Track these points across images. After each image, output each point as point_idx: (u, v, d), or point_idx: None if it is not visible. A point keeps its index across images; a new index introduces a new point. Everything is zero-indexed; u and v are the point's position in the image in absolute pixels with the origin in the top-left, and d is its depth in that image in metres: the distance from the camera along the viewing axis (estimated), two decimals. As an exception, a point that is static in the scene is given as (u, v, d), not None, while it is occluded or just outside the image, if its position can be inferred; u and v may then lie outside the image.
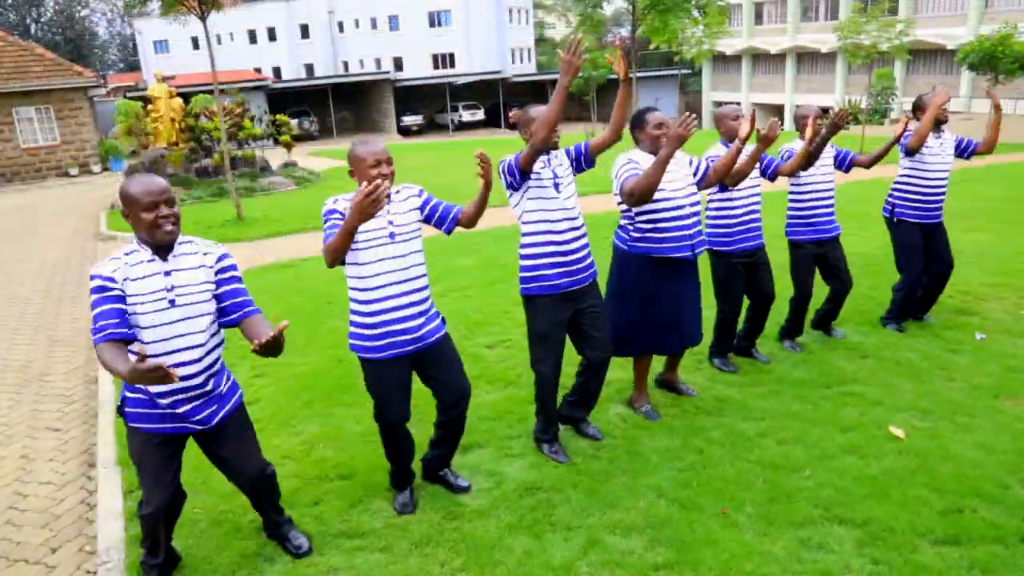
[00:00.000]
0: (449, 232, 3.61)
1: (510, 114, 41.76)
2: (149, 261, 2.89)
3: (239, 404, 3.22)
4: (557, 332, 3.93)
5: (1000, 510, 3.41)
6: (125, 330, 2.77)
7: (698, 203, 4.27)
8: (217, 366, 3.10)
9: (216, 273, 3.01)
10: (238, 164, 17.86)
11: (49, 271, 10.76)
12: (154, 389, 2.92)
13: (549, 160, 3.83)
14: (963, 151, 5.65)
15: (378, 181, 3.00)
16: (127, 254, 2.89)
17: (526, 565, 3.24)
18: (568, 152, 3.98)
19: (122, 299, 2.81)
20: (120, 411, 3.06)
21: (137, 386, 2.86)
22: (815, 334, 5.74)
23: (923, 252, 5.61)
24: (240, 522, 3.70)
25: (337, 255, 3.19)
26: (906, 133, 5.44)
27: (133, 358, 2.37)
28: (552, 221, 3.79)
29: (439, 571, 3.26)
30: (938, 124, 5.44)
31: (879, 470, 3.80)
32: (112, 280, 2.81)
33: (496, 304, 7.09)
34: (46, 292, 9.49)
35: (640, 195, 3.85)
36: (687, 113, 3.69)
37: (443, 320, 3.64)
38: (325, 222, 3.31)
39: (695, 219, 4.22)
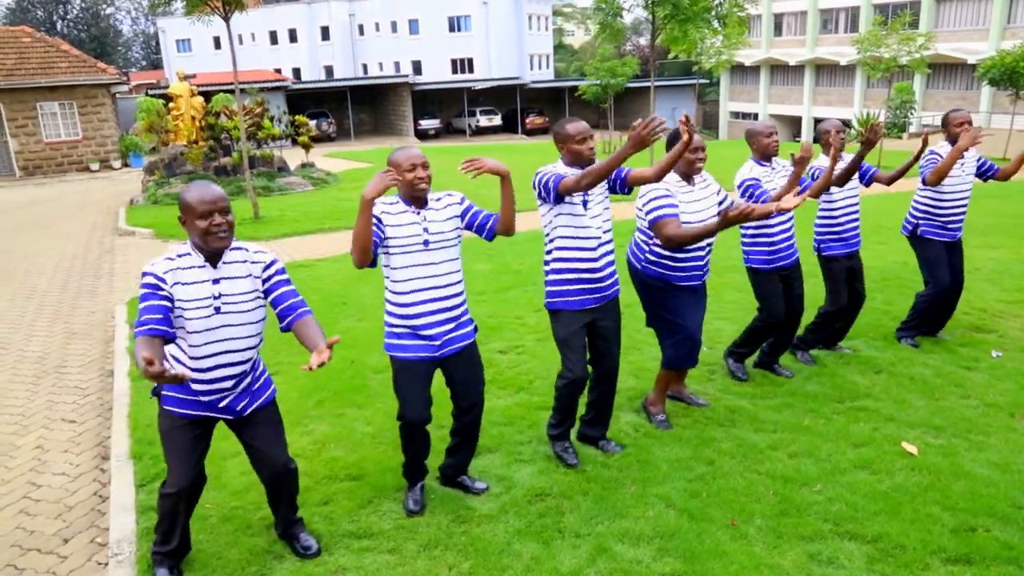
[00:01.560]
0: (490, 239, 3.62)
1: (527, 120, 41.90)
2: (200, 267, 2.95)
3: (271, 399, 3.29)
4: (579, 335, 3.95)
5: (1014, 530, 3.38)
6: (166, 328, 2.83)
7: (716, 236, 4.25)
8: (252, 365, 3.18)
9: (264, 282, 3.07)
10: (256, 163, 17.98)
11: (67, 264, 10.87)
12: (193, 386, 3.02)
13: None
14: (983, 173, 5.62)
15: (395, 174, 3.15)
16: (180, 255, 2.95)
17: (534, 571, 3.25)
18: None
19: (170, 300, 2.87)
20: (155, 392, 3.11)
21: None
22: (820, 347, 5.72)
23: (948, 264, 5.59)
24: (250, 519, 3.72)
25: (359, 249, 3.21)
26: (930, 155, 5.40)
27: (166, 367, 2.49)
28: (580, 238, 3.80)
29: (447, 574, 3.27)
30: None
31: (891, 486, 3.78)
32: (164, 281, 2.87)
33: (510, 310, 7.10)
34: (64, 285, 9.59)
35: (679, 243, 3.93)
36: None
37: (475, 327, 3.68)
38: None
39: (710, 250, 4.30)
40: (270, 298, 3.08)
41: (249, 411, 3.18)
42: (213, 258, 2.97)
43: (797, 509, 3.61)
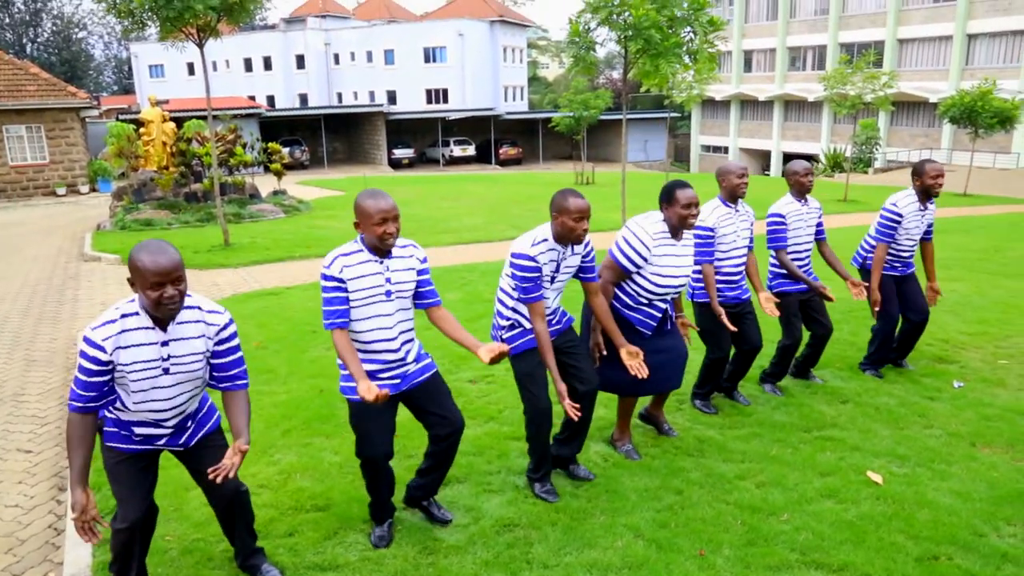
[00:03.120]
0: (418, 308, 3.58)
1: (501, 151, 42.20)
2: (148, 329, 2.83)
3: (216, 426, 3.24)
4: (541, 368, 3.93)
5: (975, 558, 3.41)
6: (101, 404, 2.83)
7: (685, 283, 4.32)
8: (195, 405, 3.16)
9: (215, 344, 3.00)
10: (227, 190, 17.87)
11: (30, 290, 10.67)
12: (135, 430, 3.00)
13: (564, 252, 3.82)
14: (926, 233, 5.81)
15: (384, 393, 3.08)
16: (124, 316, 2.81)
17: (501, 602, 3.20)
18: (586, 256, 3.94)
19: (110, 371, 2.80)
20: (98, 428, 3.03)
21: (117, 425, 2.99)
22: (791, 376, 5.78)
23: (897, 298, 5.69)
24: (212, 551, 3.64)
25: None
26: (890, 211, 5.53)
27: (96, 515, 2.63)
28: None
29: (412, 606, 3.21)
30: (928, 196, 5.54)
31: (856, 515, 3.80)
32: (103, 351, 2.75)
33: (480, 338, 7.07)
34: (26, 311, 9.40)
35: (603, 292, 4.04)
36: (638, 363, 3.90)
37: (432, 360, 3.67)
38: (324, 290, 3.31)
39: (669, 301, 4.37)
40: (216, 361, 3.01)
41: (193, 442, 3.14)
42: (162, 322, 2.86)
43: (765, 539, 3.61)
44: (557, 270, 3.82)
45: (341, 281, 3.28)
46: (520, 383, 3.96)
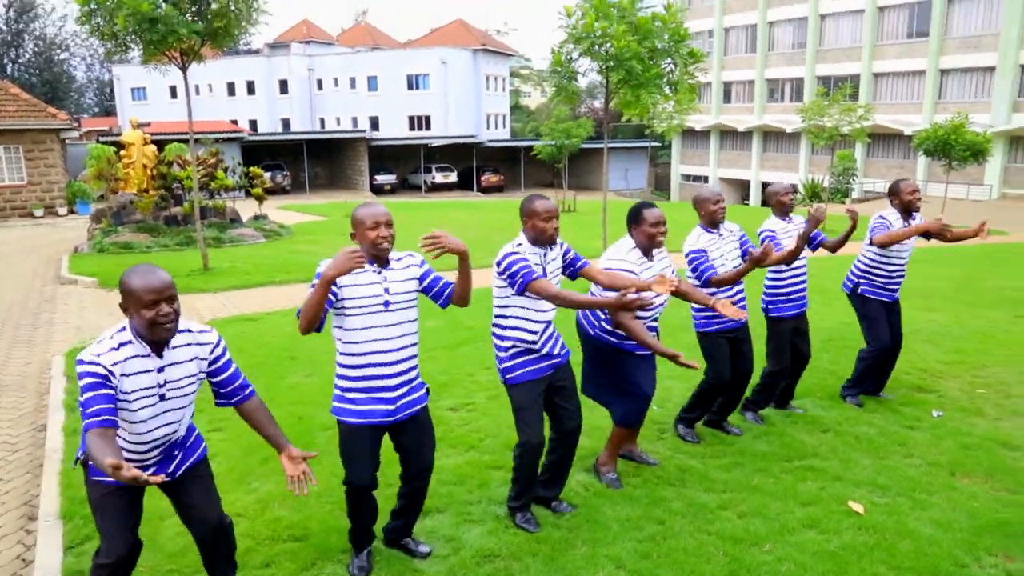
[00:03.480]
0: (444, 307, 3.56)
1: (483, 178, 42.37)
2: (144, 356, 2.81)
3: (203, 457, 3.19)
4: (539, 402, 3.93)
5: (957, 590, 3.41)
6: (116, 418, 2.73)
7: (667, 301, 4.32)
8: (183, 433, 3.11)
9: (209, 364, 3.00)
10: (208, 214, 17.77)
11: (4, 312, 10.49)
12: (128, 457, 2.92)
13: (544, 255, 3.85)
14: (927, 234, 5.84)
15: (362, 255, 3.02)
16: (122, 345, 2.78)
17: (481, 636, 3.15)
18: (566, 253, 4.00)
19: (116, 391, 2.75)
20: (82, 463, 2.97)
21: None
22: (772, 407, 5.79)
23: (887, 322, 5.75)
24: (186, 582, 3.55)
25: (310, 319, 3.08)
26: (878, 218, 5.59)
27: (136, 472, 2.35)
28: (532, 320, 3.83)
29: (391, 640, 3.15)
30: (909, 212, 5.62)
31: (838, 545, 3.79)
32: (112, 375, 2.72)
33: (461, 367, 7.05)
34: (-1, 335, 9.24)
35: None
36: (670, 282, 3.81)
37: (427, 391, 3.62)
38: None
39: (657, 319, 4.38)
40: (216, 379, 3.01)
41: (180, 472, 3.08)
42: (157, 346, 2.83)
43: (747, 570, 3.59)
44: (544, 273, 3.81)
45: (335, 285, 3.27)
46: (516, 414, 3.93)
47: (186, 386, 2.94)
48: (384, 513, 3.82)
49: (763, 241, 5.26)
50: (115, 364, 2.74)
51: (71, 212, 25.56)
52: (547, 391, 3.95)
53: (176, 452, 3.08)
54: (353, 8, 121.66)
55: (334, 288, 3.20)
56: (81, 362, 2.73)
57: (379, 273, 3.33)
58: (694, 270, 4.83)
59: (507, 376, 3.90)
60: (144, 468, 2.99)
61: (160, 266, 2.86)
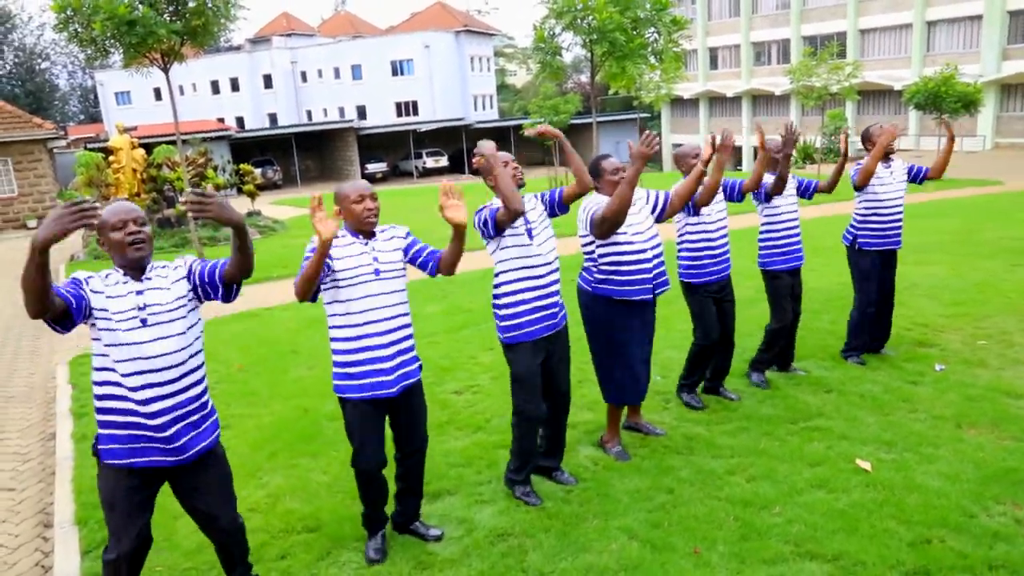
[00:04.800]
0: (432, 275, 3.62)
1: (473, 160, 42.21)
2: (124, 282, 2.87)
3: (216, 443, 3.12)
4: (537, 372, 3.97)
5: (967, 539, 3.44)
6: (67, 294, 2.72)
7: (660, 244, 4.35)
8: (199, 390, 3.01)
9: (189, 274, 3.00)
10: (201, 214, 17.71)
11: (4, 325, 10.50)
12: (142, 409, 2.83)
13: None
14: (915, 177, 5.84)
15: (330, 219, 3.09)
16: (108, 274, 2.88)
17: (499, 614, 3.18)
18: (543, 197, 4.05)
19: (83, 296, 2.77)
20: (94, 451, 2.96)
21: (109, 415, 2.85)
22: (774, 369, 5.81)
23: (879, 279, 5.75)
24: (203, 580, 3.59)
25: (308, 284, 3.18)
26: (856, 165, 5.62)
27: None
28: (530, 267, 3.85)
29: (410, 623, 3.18)
30: (886, 156, 5.62)
31: (847, 504, 3.82)
32: (83, 283, 2.80)
33: (463, 350, 7.07)
34: (1, 347, 9.25)
35: (613, 218, 3.93)
36: (647, 132, 3.81)
37: (420, 366, 3.64)
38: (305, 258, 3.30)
39: (657, 260, 4.30)
40: (196, 276, 3.00)
41: (195, 451, 2.98)
42: (135, 272, 2.89)
43: (758, 533, 3.62)
44: (527, 222, 3.83)
45: (328, 256, 3.28)
46: (514, 384, 3.96)
47: (171, 311, 2.89)
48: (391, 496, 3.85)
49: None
50: (89, 278, 2.84)
51: (64, 221, 25.44)
52: (545, 359, 3.98)
53: (190, 421, 2.96)
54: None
55: (328, 261, 3.27)
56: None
57: (366, 244, 3.41)
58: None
59: (504, 337, 3.92)
60: (154, 432, 2.85)
61: None
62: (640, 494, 4.08)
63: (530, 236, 3.83)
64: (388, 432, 3.61)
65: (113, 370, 2.83)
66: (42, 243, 2.45)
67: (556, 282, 3.95)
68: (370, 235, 3.44)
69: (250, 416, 5.72)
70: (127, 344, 2.81)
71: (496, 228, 3.74)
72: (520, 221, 3.81)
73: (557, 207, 4.03)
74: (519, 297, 3.86)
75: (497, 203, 3.77)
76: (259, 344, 7.93)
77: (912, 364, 5.78)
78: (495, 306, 3.97)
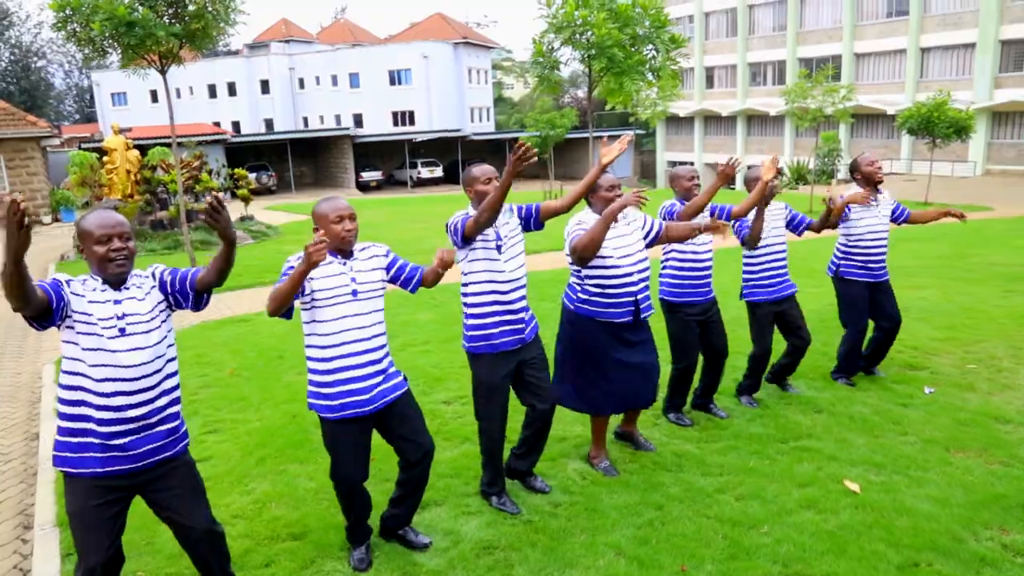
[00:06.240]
0: (413, 292, 3.63)
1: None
2: (102, 290, 2.84)
3: (184, 450, 3.07)
4: (502, 386, 3.96)
5: (956, 564, 3.43)
6: (47, 288, 2.69)
7: (647, 268, 4.32)
8: (171, 398, 2.98)
9: (161, 284, 2.99)
10: (194, 217, 17.66)
11: (-9, 324, 10.40)
12: (110, 416, 2.79)
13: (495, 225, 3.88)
14: (896, 217, 5.86)
15: (324, 238, 3.04)
16: (85, 280, 2.85)
17: (484, 628, 3.15)
18: (519, 211, 4.04)
19: (62, 295, 2.73)
20: (55, 461, 2.89)
21: (72, 422, 2.80)
22: (770, 388, 5.80)
23: (868, 308, 5.76)
24: (185, 586, 3.54)
25: (281, 302, 3.15)
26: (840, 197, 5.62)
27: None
28: (497, 282, 3.85)
29: (394, 635, 3.15)
30: (874, 185, 5.63)
31: (836, 525, 3.81)
32: (66, 284, 2.77)
33: (454, 359, 7.04)
34: (-13, 346, 9.16)
35: (582, 252, 3.97)
36: (640, 189, 3.88)
37: (404, 378, 3.61)
38: (283, 275, 3.29)
39: (643, 284, 4.28)
40: (168, 286, 2.99)
41: (159, 458, 2.93)
42: (115, 284, 2.87)
43: (746, 552, 3.61)
44: (499, 237, 3.83)
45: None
46: (476, 394, 3.96)
47: (146, 322, 2.87)
48: (380, 505, 3.81)
49: (662, 212, 5.01)
50: (69, 280, 2.79)
51: (56, 220, 25.33)
52: (519, 366, 3.98)
53: (158, 436, 2.91)
54: (332, 5, 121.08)
55: (304, 281, 3.24)
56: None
57: (344, 263, 3.37)
58: (666, 216, 4.89)
59: (468, 346, 3.93)
60: (116, 451, 2.82)
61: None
62: (628, 510, 4.06)
63: (499, 251, 3.84)
64: (381, 443, 3.58)
65: (85, 375, 2.79)
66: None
67: (522, 298, 3.95)
68: (348, 255, 3.41)
69: (240, 421, 5.67)
70: (106, 351, 2.77)
71: (463, 237, 3.74)
72: (491, 234, 3.81)
73: (533, 223, 4.04)
74: (485, 309, 3.88)
75: (471, 212, 3.79)
76: (250, 349, 7.88)
77: (902, 386, 5.79)
78: (464, 314, 3.98)
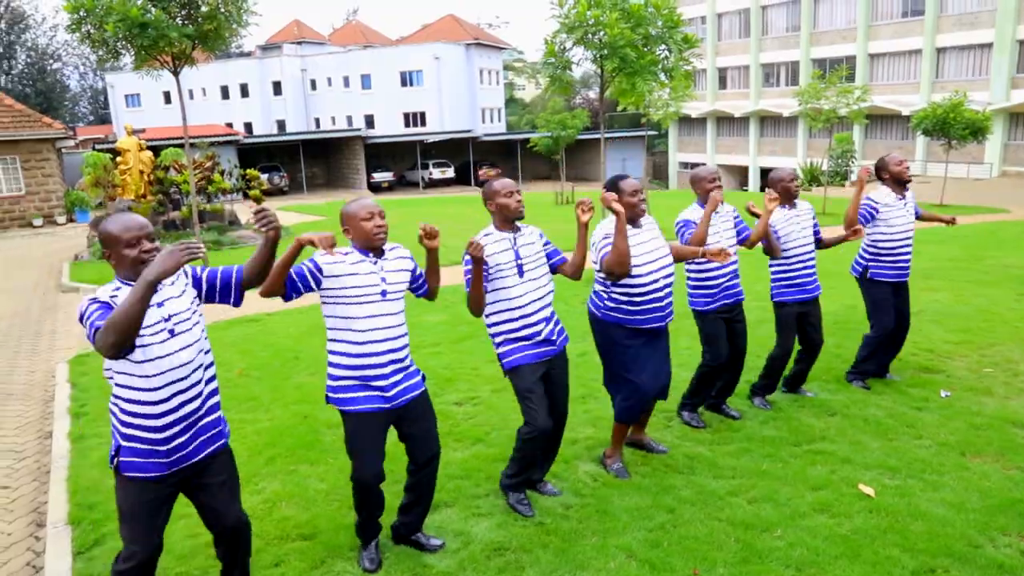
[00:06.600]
0: (419, 296, 3.71)
1: (480, 172, 42.30)
2: None
3: (226, 444, 3.14)
4: (540, 385, 3.96)
5: (972, 570, 3.39)
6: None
7: (672, 275, 4.33)
8: (214, 387, 3.05)
9: (195, 280, 3.01)
10: (206, 217, 17.74)
11: (7, 323, 10.48)
12: (171, 418, 2.85)
13: (515, 240, 3.88)
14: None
15: (320, 237, 3.04)
16: (117, 290, 2.81)
17: (494, 630, 3.13)
18: (545, 244, 4.06)
19: None
20: (113, 465, 2.92)
21: (135, 431, 2.82)
22: (782, 390, 5.76)
23: (893, 309, 5.71)
24: (196, 586, 3.54)
25: (275, 279, 3.14)
26: (865, 200, 5.57)
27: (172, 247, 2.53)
28: (518, 307, 3.86)
29: (404, 637, 3.13)
30: (903, 185, 5.60)
31: (850, 529, 3.77)
32: (113, 304, 2.75)
33: (465, 361, 7.03)
34: (2, 344, 9.23)
35: (618, 272, 3.99)
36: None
37: (423, 376, 3.63)
38: (298, 275, 3.29)
39: (668, 291, 4.30)
40: (206, 282, 3.02)
41: (208, 452, 3.01)
42: None
43: (759, 556, 3.57)
44: (518, 257, 3.84)
45: (319, 269, 3.29)
46: (521, 398, 3.95)
47: (190, 319, 2.90)
48: (391, 510, 3.80)
49: (678, 229, 4.99)
50: (113, 297, 2.77)
51: (70, 220, 25.52)
52: (543, 379, 3.98)
53: (208, 428, 3.00)
54: (344, 7, 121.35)
55: (318, 275, 3.27)
56: (83, 307, 2.72)
57: (375, 263, 3.37)
58: (679, 236, 4.87)
59: (504, 362, 3.94)
60: (172, 442, 2.88)
61: None
62: (640, 512, 4.03)
63: (520, 274, 3.84)
64: (390, 446, 3.57)
65: (140, 388, 2.81)
66: (156, 278, 2.55)
67: (549, 317, 3.96)
68: (380, 254, 3.41)
69: (250, 421, 5.68)
70: (160, 357, 2.80)
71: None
72: (509, 257, 3.84)
73: (553, 265, 4.07)
74: (512, 334, 3.90)
75: (491, 233, 3.86)
76: (261, 349, 7.90)
77: (917, 390, 5.73)
78: (490, 335, 4.02)
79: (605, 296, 4.31)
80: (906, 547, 3.58)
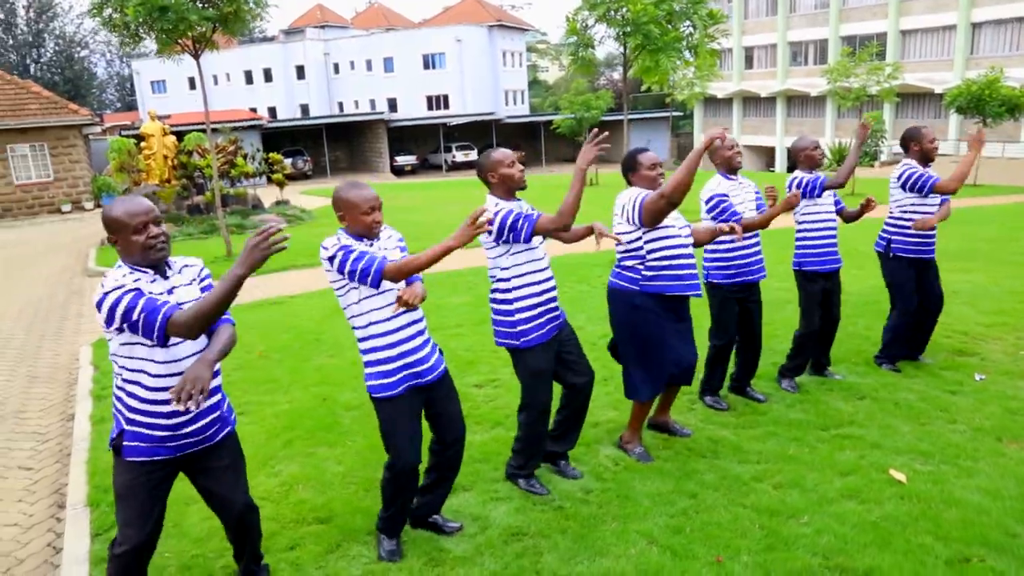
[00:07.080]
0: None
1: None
2: (151, 281, 2.78)
3: (233, 429, 3.13)
4: (550, 367, 3.94)
5: (1009, 559, 3.25)
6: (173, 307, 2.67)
7: (690, 238, 4.28)
8: (216, 377, 2.99)
9: (201, 290, 2.95)
10: (229, 201, 17.82)
11: (34, 307, 10.59)
12: (165, 409, 2.80)
13: (520, 207, 3.85)
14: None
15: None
16: (126, 275, 2.74)
17: (511, 617, 3.06)
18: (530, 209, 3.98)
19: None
20: (113, 446, 2.89)
21: (141, 416, 2.79)
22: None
23: (916, 288, 5.54)
24: (212, 567, 3.52)
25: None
26: (907, 167, 5.38)
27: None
28: (536, 271, 3.84)
29: (419, 623, 3.08)
30: (927, 162, 5.41)
31: (880, 516, 3.65)
32: (142, 292, 2.69)
33: (486, 343, 6.95)
34: (29, 328, 9.32)
35: (672, 196, 3.83)
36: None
37: (441, 352, 3.59)
38: (347, 259, 3.16)
39: (693, 260, 4.25)
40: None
41: (220, 436, 3.00)
42: (159, 271, 2.82)
43: (785, 543, 3.46)
44: (531, 220, 3.75)
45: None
46: (528, 379, 3.89)
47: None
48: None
49: (713, 206, 4.85)
50: (136, 283, 2.71)
51: (97, 206, 25.80)
52: (557, 351, 3.96)
53: (218, 415, 2.99)
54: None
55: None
56: (104, 296, 2.65)
57: (371, 245, 3.32)
58: (721, 212, 4.73)
59: (522, 341, 3.85)
60: (184, 438, 2.87)
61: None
62: (661, 498, 3.94)
63: (536, 241, 3.86)
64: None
65: (149, 373, 2.77)
66: (247, 272, 2.61)
67: (555, 287, 3.97)
68: (374, 237, 3.36)
69: (268, 404, 5.66)
70: (172, 345, 2.76)
71: (529, 237, 3.67)
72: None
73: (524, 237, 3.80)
74: (532, 301, 3.84)
75: (520, 208, 3.74)
76: (282, 331, 7.89)
77: (950, 373, 5.56)
78: (504, 312, 3.88)
79: (642, 267, 4.17)
80: (939, 535, 3.45)
